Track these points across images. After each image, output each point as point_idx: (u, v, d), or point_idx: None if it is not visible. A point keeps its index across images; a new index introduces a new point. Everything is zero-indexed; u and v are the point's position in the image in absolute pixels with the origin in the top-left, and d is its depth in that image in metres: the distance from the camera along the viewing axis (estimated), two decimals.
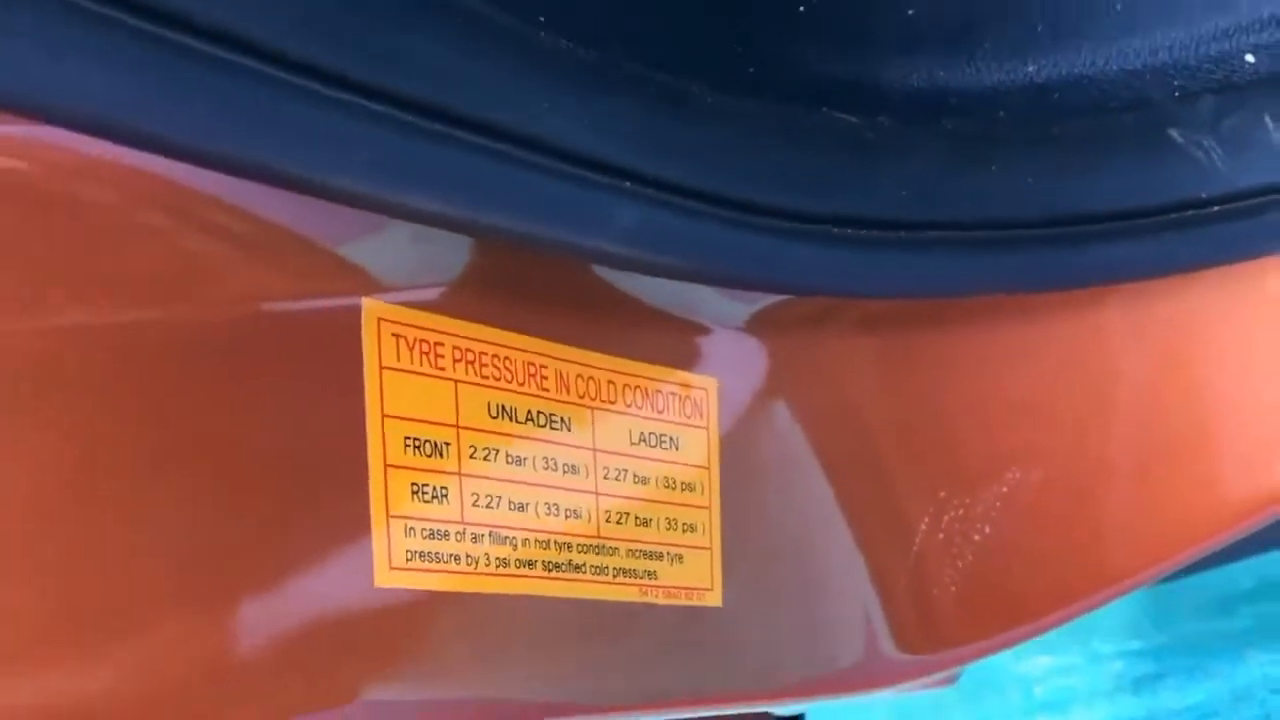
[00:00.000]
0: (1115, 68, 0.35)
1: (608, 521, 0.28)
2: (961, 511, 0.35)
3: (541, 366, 0.27)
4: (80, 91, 0.18)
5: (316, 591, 0.23)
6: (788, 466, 0.32)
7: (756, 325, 0.31)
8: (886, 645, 0.34)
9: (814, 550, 0.32)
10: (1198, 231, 0.32)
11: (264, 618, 0.22)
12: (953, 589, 0.35)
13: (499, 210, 0.23)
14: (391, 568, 0.24)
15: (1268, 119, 0.33)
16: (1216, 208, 0.32)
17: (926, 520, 0.35)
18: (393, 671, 0.24)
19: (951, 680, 0.38)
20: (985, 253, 0.31)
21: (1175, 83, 0.35)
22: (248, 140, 0.19)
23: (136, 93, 0.18)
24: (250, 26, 0.18)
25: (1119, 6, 0.35)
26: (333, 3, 0.20)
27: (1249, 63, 0.35)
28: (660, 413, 0.30)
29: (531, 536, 0.26)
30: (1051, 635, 0.93)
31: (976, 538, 0.35)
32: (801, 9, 0.36)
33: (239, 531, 0.22)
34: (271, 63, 0.19)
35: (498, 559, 0.26)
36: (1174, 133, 0.33)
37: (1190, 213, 0.32)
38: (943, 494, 0.35)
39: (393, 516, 0.24)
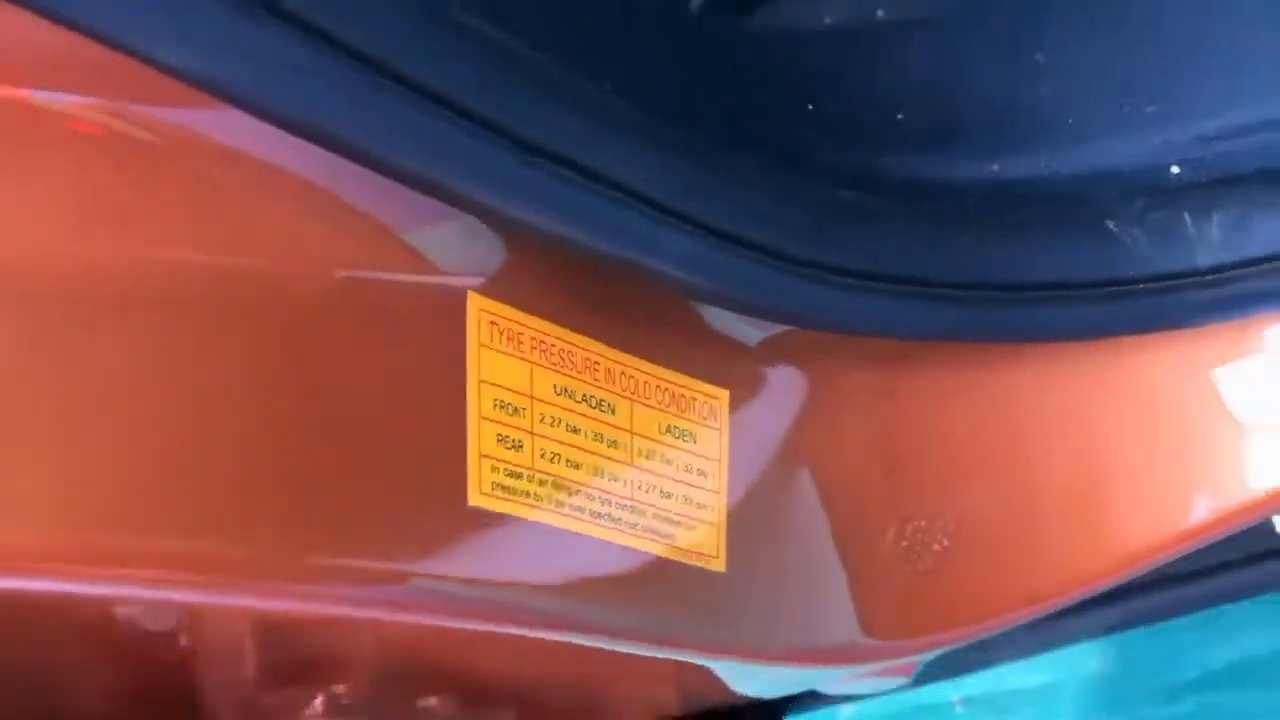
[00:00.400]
0: (1066, 171, 0.43)
1: (639, 489, 0.35)
2: (923, 524, 0.42)
3: (595, 362, 0.35)
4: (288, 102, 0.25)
5: (415, 501, 0.30)
6: (781, 467, 0.39)
7: (766, 349, 0.38)
8: (854, 628, 0.41)
9: (800, 538, 0.39)
10: (1125, 303, 0.40)
11: (362, 507, 0.29)
12: (912, 589, 0.42)
13: (581, 228, 0.30)
14: (480, 493, 0.31)
15: (1187, 217, 0.41)
16: (1141, 285, 0.40)
17: (893, 528, 0.42)
18: (454, 570, 0.30)
19: (909, 673, 0.44)
20: (954, 305, 0.39)
21: (1114, 185, 0.43)
22: (417, 159, 0.27)
23: (297, 92, 0.25)
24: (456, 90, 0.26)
25: (1070, 121, 0.44)
26: (526, 92, 0.28)
27: (1174, 173, 0.43)
28: (683, 412, 0.37)
29: (582, 489, 0.33)
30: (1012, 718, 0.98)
31: (936, 548, 0.42)
32: (810, 108, 0.45)
33: (370, 445, 0.29)
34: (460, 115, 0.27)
35: (556, 500, 0.33)
36: (1110, 224, 0.41)
37: (1119, 288, 0.40)
38: (907, 507, 0.41)
39: (483, 456, 0.31)
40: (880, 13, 0.53)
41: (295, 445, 0.28)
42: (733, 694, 0.46)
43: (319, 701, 0.37)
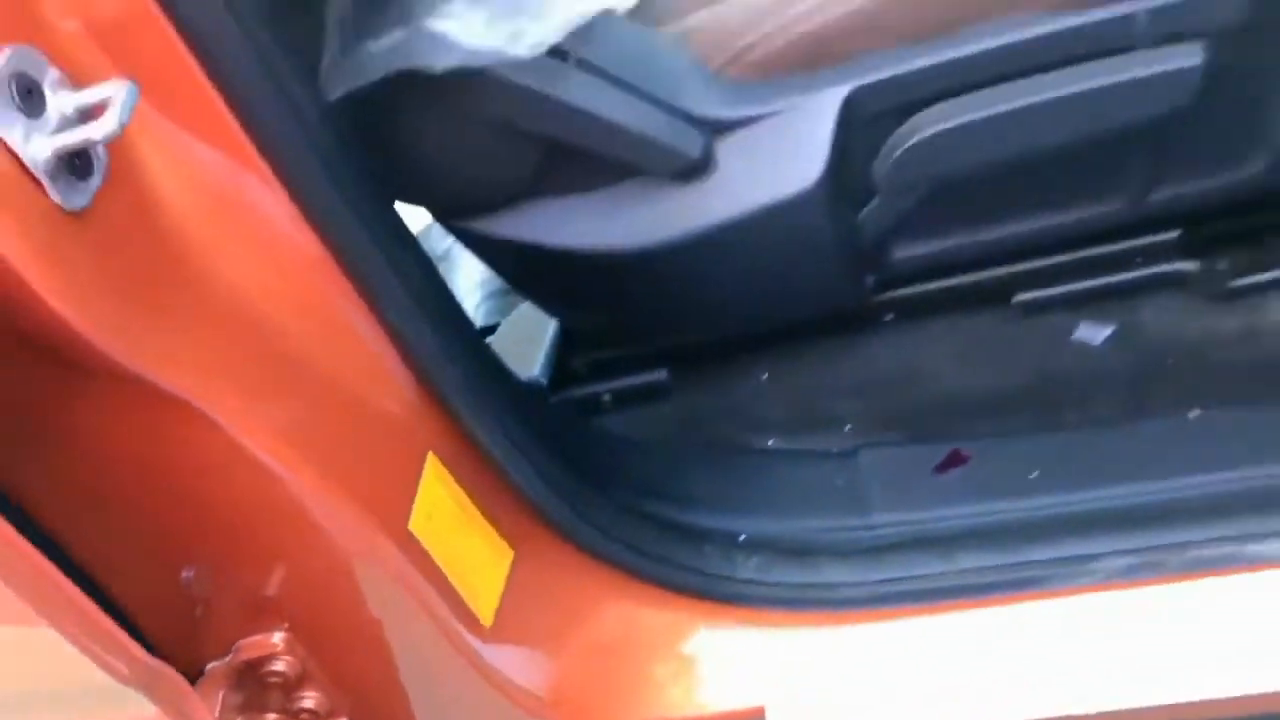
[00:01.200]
0: (694, 524, 0.91)
1: (468, 569, 0.77)
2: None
3: (467, 509, 0.78)
4: None
5: (392, 509, 0.72)
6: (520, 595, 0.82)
7: (537, 544, 0.83)
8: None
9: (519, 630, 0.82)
10: (692, 578, 0.86)
11: (376, 499, 0.71)
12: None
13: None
14: (415, 525, 0.73)
15: (739, 554, 0.88)
16: (708, 574, 0.87)
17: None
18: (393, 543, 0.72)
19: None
20: (636, 556, 0.84)
21: (714, 536, 0.90)
22: None
23: None
24: None
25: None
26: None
27: (741, 538, 0.90)
28: (495, 548, 0.80)
29: (451, 552, 0.76)
30: None
31: None
32: (612, 472, 0.93)
33: (377, 476, 0.72)
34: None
35: (442, 551, 0.75)
36: (707, 547, 0.88)
37: (695, 572, 0.87)
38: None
39: (420, 511, 0.74)
40: (637, 437, 1.04)
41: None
42: None
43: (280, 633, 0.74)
